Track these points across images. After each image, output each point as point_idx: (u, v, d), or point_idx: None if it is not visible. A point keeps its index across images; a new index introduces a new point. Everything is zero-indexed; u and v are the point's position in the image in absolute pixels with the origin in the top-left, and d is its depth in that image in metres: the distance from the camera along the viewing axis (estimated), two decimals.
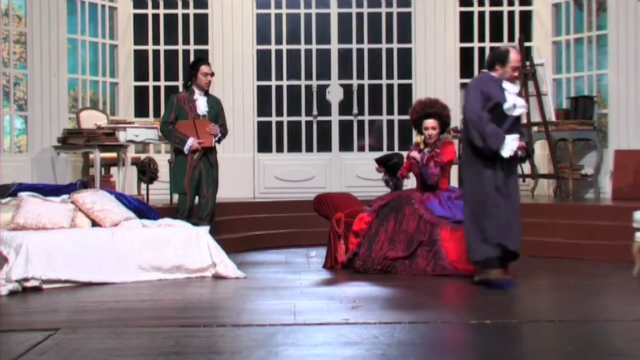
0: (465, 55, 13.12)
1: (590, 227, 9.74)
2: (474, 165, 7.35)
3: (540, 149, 12.35)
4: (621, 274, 8.03)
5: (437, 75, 12.96)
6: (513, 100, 7.28)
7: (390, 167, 9.11)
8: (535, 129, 11.88)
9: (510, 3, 13.13)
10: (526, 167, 11.95)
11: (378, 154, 10.06)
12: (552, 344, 5.57)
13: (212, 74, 9.29)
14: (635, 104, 11.67)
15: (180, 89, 11.01)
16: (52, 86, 11.79)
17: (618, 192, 10.90)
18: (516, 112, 7.33)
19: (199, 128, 9.07)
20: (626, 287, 7.62)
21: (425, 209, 8.53)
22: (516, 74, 7.51)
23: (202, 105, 9.18)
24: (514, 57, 7.41)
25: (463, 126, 7.53)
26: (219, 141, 9.25)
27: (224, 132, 9.30)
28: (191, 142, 9.02)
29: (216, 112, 9.26)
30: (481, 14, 13.13)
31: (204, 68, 9.19)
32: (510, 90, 7.35)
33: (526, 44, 12.35)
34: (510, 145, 7.20)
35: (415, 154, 8.79)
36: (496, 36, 13.12)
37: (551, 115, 11.62)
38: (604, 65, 12.22)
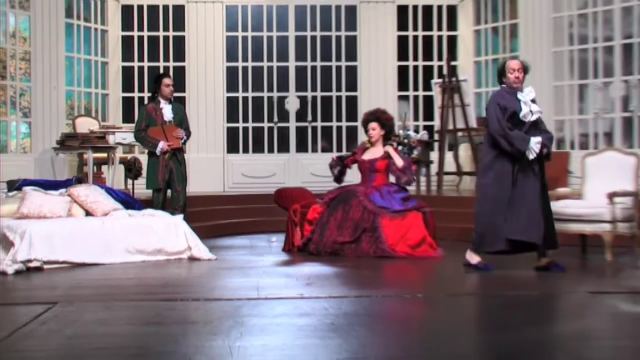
0: (402, 72, 13.19)
1: None
2: (494, 166, 7.15)
3: (464, 151, 12.44)
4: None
5: (378, 88, 13.01)
6: (528, 108, 7.14)
7: (343, 158, 9.19)
8: (460, 134, 11.98)
9: (439, 28, 13.23)
10: (452, 166, 12.08)
11: (330, 155, 10.11)
12: (471, 313, 5.65)
13: (173, 85, 9.26)
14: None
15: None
16: (52, 97, 11.67)
17: None
18: (533, 118, 7.16)
19: (167, 133, 9.03)
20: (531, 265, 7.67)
21: (369, 201, 8.58)
22: (520, 74, 7.21)
23: (167, 112, 9.12)
24: (510, 63, 7.27)
25: (488, 136, 7.16)
26: (184, 142, 9.24)
27: (189, 135, 9.27)
28: (162, 145, 8.98)
29: (180, 117, 9.22)
30: (415, 38, 13.21)
31: (166, 80, 9.16)
32: (525, 99, 7.15)
33: (452, 63, 12.46)
34: (534, 148, 7.02)
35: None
36: (428, 56, 13.21)
37: (473, 123, 11.72)
38: None
